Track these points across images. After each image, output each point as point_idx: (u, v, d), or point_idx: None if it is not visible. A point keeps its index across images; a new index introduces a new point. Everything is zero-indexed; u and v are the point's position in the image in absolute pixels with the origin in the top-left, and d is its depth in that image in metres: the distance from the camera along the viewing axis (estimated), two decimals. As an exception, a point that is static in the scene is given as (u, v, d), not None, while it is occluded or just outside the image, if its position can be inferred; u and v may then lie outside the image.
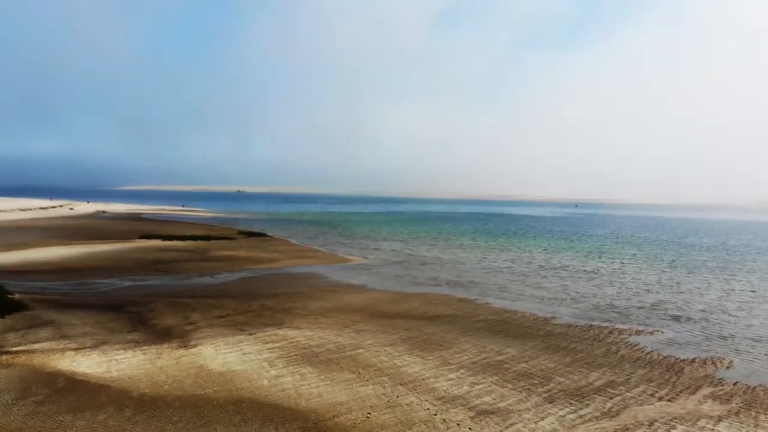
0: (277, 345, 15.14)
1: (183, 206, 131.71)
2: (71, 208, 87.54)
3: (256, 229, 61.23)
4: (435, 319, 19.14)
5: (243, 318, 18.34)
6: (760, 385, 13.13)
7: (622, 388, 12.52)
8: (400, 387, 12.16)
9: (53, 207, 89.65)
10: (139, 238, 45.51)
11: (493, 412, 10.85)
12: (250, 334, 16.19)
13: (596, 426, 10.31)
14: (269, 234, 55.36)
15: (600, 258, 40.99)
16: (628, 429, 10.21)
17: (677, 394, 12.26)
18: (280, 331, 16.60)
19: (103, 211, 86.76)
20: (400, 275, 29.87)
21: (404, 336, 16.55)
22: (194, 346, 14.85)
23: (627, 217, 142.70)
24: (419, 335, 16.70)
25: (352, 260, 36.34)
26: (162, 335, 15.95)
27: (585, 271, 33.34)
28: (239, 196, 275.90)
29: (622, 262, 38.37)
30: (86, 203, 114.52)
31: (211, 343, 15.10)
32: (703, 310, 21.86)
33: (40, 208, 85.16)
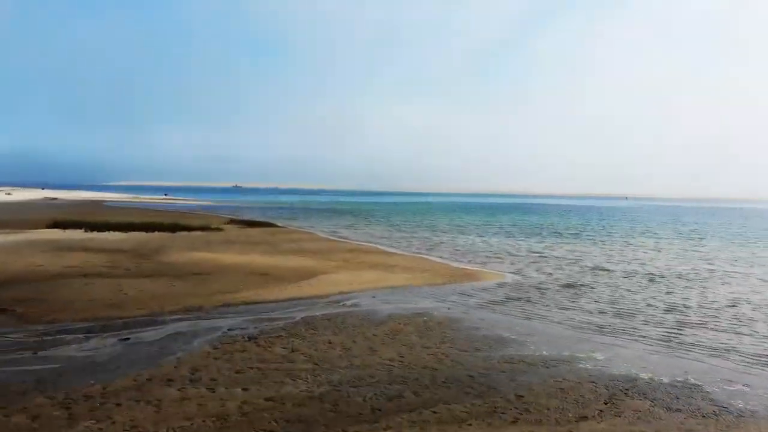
0: None
1: (165, 195, 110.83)
2: (8, 194, 66.87)
3: (258, 218, 41.16)
4: None
5: None
6: None
7: None
8: None
9: (-15, 192, 68.83)
10: (47, 227, 25.22)
11: None
12: None
13: None
14: (278, 224, 35.17)
15: None
16: None
17: None
18: None
19: (54, 198, 66.30)
20: (664, 332, 9.72)
21: None
22: None
23: (713, 209, 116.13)
24: None
25: (487, 275, 16.09)
26: None
27: None
28: (236, 190, 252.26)
29: None
30: (40, 189, 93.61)
31: None
32: None
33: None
